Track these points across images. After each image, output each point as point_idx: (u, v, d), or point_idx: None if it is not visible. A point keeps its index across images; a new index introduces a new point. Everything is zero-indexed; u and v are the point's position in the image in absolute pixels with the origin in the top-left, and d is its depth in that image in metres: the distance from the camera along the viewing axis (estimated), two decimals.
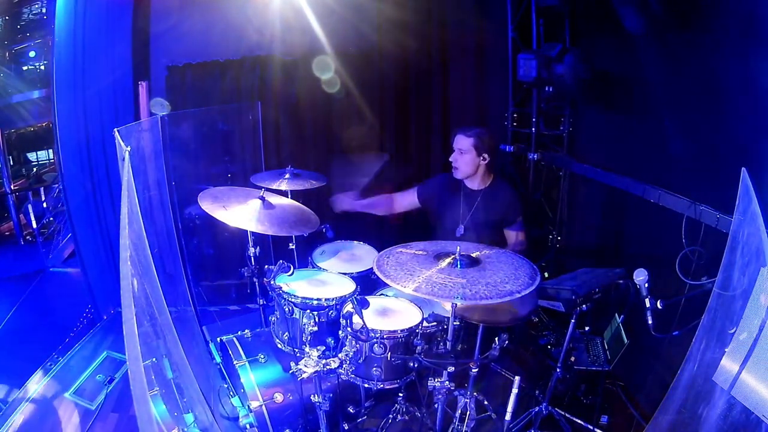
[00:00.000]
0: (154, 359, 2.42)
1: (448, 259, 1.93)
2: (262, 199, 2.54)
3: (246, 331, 2.79)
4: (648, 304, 1.94)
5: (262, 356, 2.55)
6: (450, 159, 2.92)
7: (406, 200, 3.16)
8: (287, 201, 2.76)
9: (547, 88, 3.75)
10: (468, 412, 2.26)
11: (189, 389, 2.60)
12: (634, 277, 1.96)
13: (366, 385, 2.26)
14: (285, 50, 3.77)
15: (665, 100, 2.79)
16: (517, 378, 2.02)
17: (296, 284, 2.43)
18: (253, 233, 2.67)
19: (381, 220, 4.39)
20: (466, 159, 2.86)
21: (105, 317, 3.86)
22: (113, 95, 3.63)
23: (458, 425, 2.27)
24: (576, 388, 2.79)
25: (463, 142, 2.85)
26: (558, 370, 2.49)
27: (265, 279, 2.33)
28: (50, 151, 6.68)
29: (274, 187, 2.93)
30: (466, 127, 2.90)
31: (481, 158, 2.86)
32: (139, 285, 2.03)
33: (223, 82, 3.84)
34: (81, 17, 3.41)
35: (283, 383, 2.46)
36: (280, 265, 2.28)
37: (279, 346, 2.46)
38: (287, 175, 3.06)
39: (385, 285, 2.22)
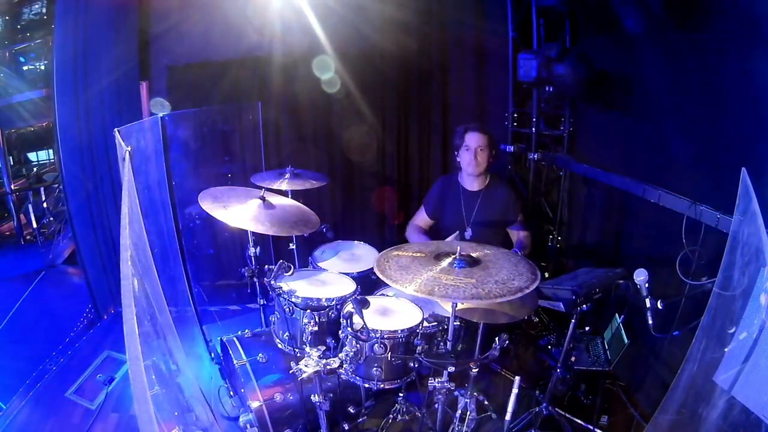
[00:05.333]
0: (154, 359, 2.42)
1: (448, 260, 1.92)
2: (263, 199, 2.54)
3: (246, 330, 2.80)
4: (648, 304, 1.94)
5: (262, 356, 2.55)
6: (468, 160, 2.90)
7: (421, 219, 3.19)
8: (287, 201, 2.76)
9: (547, 88, 3.75)
10: (468, 412, 2.26)
11: (189, 389, 2.60)
12: (634, 277, 1.96)
13: (366, 385, 2.26)
14: (285, 50, 3.77)
15: (665, 100, 2.79)
16: (517, 378, 2.02)
17: (296, 284, 2.43)
18: (253, 233, 2.67)
19: (381, 220, 4.41)
20: (485, 155, 2.88)
21: (105, 317, 3.86)
22: (116, 95, 3.63)
23: (458, 425, 2.27)
24: (576, 388, 2.79)
25: (482, 139, 2.87)
26: (558, 370, 2.49)
27: (265, 279, 2.34)
28: (50, 151, 6.67)
29: (275, 187, 2.94)
30: (478, 124, 2.91)
31: (491, 154, 2.89)
32: (140, 285, 2.03)
33: (223, 82, 3.84)
34: (81, 17, 3.41)
35: (284, 383, 2.46)
36: (280, 265, 2.29)
37: (279, 345, 2.46)
38: (287, 175, 3.07)
39: (386, 285, 2.23)
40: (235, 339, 2.71)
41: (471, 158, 2.88)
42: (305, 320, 2.29)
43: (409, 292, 1.73)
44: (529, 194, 4.10)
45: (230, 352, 2.61)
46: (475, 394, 2.31)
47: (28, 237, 5.84)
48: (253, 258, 2.80)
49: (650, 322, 1.95)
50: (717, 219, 2.30)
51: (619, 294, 2.28)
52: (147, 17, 3.70)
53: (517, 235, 3.01)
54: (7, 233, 5.95)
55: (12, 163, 6.26)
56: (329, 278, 2.59)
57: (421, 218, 3.17)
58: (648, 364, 2.80)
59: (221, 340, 2.79)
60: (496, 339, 2.01)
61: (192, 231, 3.83)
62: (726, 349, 1.72)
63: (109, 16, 3.52)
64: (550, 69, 3.27)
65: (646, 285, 1.94)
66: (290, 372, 2.08)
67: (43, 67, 6.09)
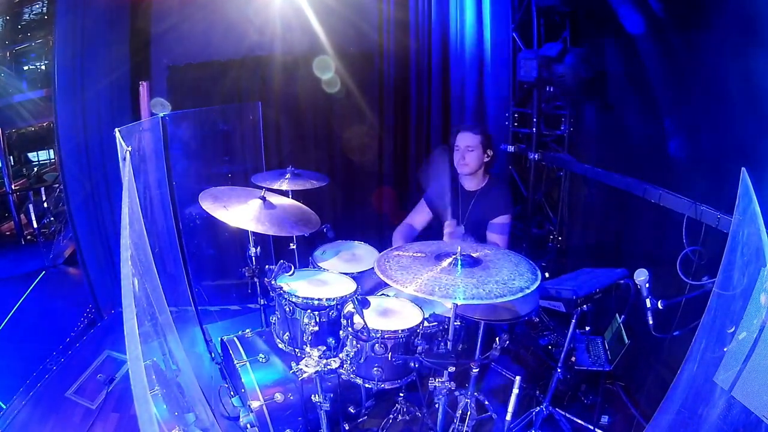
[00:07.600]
0: (154, 359, 2.42)
1: (449, 260, 1.92)
2: (263, 199, 2.54)
3: (247, 330, 2.80)
4: (649, 304, 1.94)
5: (262, 356, 2.55)
6: (457, 159, 2.90)
7: (420, 217, 3.16)
8: (288, 201, 2.76)
9: (547, 88, 3.75)
10: (469, 412, 2.26)
11: (190, 389, 2.60)
12: (634, 277, 1.96)
13: (367, 385, 2.25)
14: (285, 50, 3.78)
15: (665, 100, 2.79)
16: (517, 378, 2.03)
17: (297, 284, 2.43)
18: (253, 233, 2.67)
19: (381, 220, 4.41)
20: (474, 156, 2.86)
21: (105, 317, 3.87)
22: (111, 96, 3.63)
23: (459, 425, 2.27)
24: (576, 388, 2.79)
25: (471, 139, 2.85)
26: (559, 370, 2.49)
27: (265, 279, 2.34)
28: (50, 151, 6.68)
29: (275, 187, 2.94)
30: (469, 125, 2.91)
31: (485, 155, 2.88)
32: (140, 285, 2.03)
33: (223, 82, 3.84)
34: (81, 17, 3.41)
35: (284, 383, 2.46)
36: (280, 265, 2.28)
37: (280, 346, 2.46)
38: (288, 175, 3.07)
39: (386, 285, 2.22)
40: (235, 339, 2.71)
41: (459, 158, 2.88)
42: (306, 320, 2.29)
43: (410, 292, 1.73)
44: (529, 194, 4.10)
45: (231, 352, 2.61)
46: (475, 394, 2.32)
47: (28, 237, 5.84)
48: (253, 258, 2.80)
49: (651, 322, 1.95)
50: (717, 219, 2.30)
51: (620, 294, 2.27)
52: (147, 17, 3.71)
53: (489, 237, 2.94)
54: (8, 233, 5.95)
55: (12, 163, 6.26)
56: (330, 278, 2.59)
57: (418, 217, 3.15)
58: (648, 364, 2.80)
59: (221, 340, 2.79)
60: (497, 339, 2.01)
61: (192, 231, 3.83)
62: (726, 349, 1.72)
63: (105, 17, 3.52)
64: (550, 69, 3.27)
65: (647, 285, 1.94)
66: (291, 372, 2.08)
67: (43, 67, 6.11)
